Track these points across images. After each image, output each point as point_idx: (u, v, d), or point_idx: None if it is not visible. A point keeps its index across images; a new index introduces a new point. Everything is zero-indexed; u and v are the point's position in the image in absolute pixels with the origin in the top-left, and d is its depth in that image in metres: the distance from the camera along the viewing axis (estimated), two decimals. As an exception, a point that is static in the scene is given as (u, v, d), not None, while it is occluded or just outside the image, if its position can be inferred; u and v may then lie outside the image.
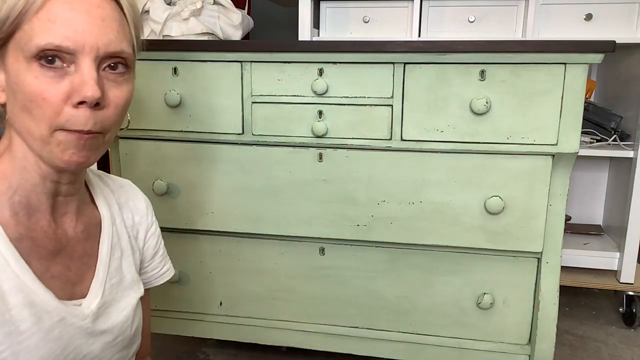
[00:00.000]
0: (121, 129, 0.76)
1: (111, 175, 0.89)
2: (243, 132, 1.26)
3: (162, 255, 0.95)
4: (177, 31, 1.37)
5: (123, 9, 0.68)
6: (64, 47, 0.61)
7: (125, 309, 0.80)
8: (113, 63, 0.66)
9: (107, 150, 2.25)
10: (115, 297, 0.79)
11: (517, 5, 1.74)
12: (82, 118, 0.63)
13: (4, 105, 0.67)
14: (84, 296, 0.74)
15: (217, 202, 1.31)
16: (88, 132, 0.65)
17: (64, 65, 0.62)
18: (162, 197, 1.33)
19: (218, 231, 1.34)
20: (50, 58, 0.61)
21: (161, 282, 0.95)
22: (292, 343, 1.39)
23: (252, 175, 1.28)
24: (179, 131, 1.28)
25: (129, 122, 0.80)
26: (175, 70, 1.25)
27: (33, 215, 0.70)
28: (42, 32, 0.61)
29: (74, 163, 0.66)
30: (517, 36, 1.75)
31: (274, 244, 1.33)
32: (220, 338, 1.44)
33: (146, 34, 1.41)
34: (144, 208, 0.89)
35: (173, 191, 1.32)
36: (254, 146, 1.27)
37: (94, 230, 0.79)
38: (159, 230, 0.93)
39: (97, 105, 0.64)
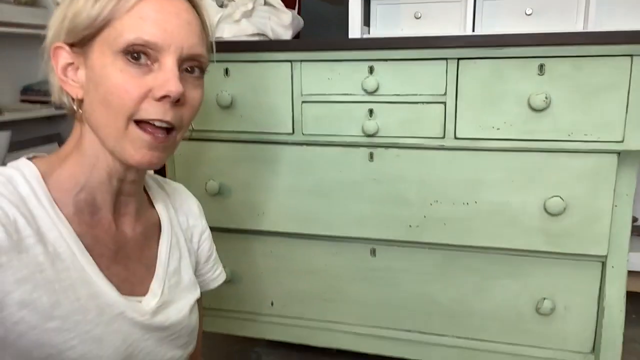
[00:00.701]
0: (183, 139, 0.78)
1: (166, 179, 0.92)
2: (293, 132, 1.25)
3: (215, 259, 0.97)
4: (229, 33, 1.38)
5: (203, 16, 0.73)
6: (151, 43, 0.65)
7: (183, 309, 0.81)
8: (190, 66, 0.70)
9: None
10: (173, 298, 0.80)
11: (578, -4, 1.65)
12: (161, 110, 0.67)
13: (80, 102, 0.70)
14: (143, 295, 0.76)
15: (268, 203, 1.31)
16: (164, 126, 0.68)
17: (148, 62, 0.66)
18: (214, 197, 1.34)
19: (269, 231, 1.35)
20: (136, 55, 0.65)
21: (214, 286, 0.98)
22: (342, 345, 1.38)
23: (302, 176, 1.28)
24: (231, 131, 1.29)
25: (192, 130, 0.83)
26: (226, 71, 1.26)
27: (96, 214, 0.72)
28: (132, 28, 0.64)
29: (146, 162, 0.69)
30: (578, 28, 1.66)
31: (324, 245, 1.32)
32: (271, 338, 1.44)
33: (198, 37, 1.43)
34: (197, 211, 0.92)
35: (225, 191, 1.34)
36: (305, 146, 1.26)
37: (152, 231, 0.81)
38: (211, 234, 0.95)
39: (177, 101, 0.68)
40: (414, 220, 1.23)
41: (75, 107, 0.70)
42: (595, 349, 1.21)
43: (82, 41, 0.67)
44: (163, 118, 0.67)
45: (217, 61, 1.26)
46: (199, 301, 0.90)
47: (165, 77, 0.66)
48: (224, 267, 1.38)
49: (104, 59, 0.65)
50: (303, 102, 1.23)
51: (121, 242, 0.75)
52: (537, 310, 1.21)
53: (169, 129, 0.69)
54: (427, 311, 1.29)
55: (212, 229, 1.38)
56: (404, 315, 1.31)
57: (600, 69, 1.06)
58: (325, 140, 1.24)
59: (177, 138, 0.73)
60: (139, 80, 0.65)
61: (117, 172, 0.72)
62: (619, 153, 1.09)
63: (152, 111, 0.66)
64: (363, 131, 1.20)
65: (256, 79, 1.25)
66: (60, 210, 0.68)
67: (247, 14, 1.39)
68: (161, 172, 2.78)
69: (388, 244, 1.28)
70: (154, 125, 0.68)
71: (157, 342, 0.76)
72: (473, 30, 1.72)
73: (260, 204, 1.32)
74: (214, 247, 0.97)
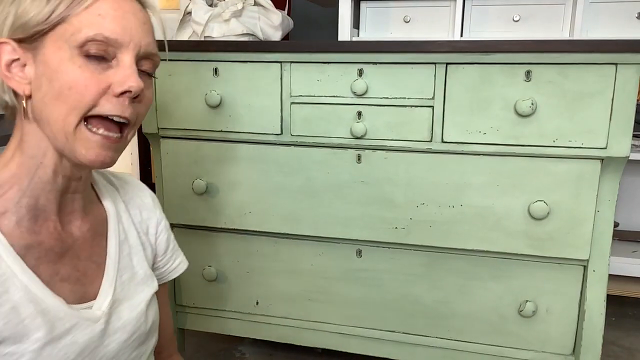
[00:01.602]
0: None
1: (114, 172, 0.90)
2: (282, 133, 1.26)
3: (173, 249, 0.95)
4: (218, 32, 1.38)
5: (152, 19, 0.74)
6: (111, 40, 0.65)
7: (139, 305, 0.80)
8: (144, 66, 0.71)
9: (150, 149, 2.27)
10: (127, 295, 0.79)
11: (564, 3, 1.68)
12: (120, 106, 0.67)
13: (28, 98, 0.68)
14: (95, 296, 0.75)
15: (255, 202, 1.32)
16: (119, 125, 0.68)
17: (107, 59, 0.66)
18: (201, 196, 1.34)
19: (255, 231, 1.35)
20: (94, 51, 0.65)
21: (175, 276, 0.96)
22: (328, 345, 1.38)
23: (290, 176, 1.28)
24: (219, 131, 1.29)
25: (134, 133, 0.81)
26: (216, 70, 1.26)
27: (39, 218, 0.70)
28: (92, 24, 0.64)
29: (99, 162, 0.69)
30: (564, 36, 1.69)
31: (310, 245, 1.33)
32: (255, 337, 1.44)
33: (188, 35, 1.42)
34: (150, 203, 0.90)
35: (212, 190, 1.34)
36: (293, 147, 1.27)
37: (101, 228, 0.80)
38: (168, 224, 0.93)
39: (135, 97, 0.68)
40: (400, 222, 1.24)
41: (21, 104, 0.68)
42: (575, 351, 1.23)
43: (32, 37, 0.65)
44: (122, 114, 0.67)
45: (207, 60, 1.27)
46: (161, 294, 0.89)
47: (125, 73, 0.66)
48: (209, 266, 1.39)
49: (61, 54, 0.65)
50: (292, 103, 1.24)
51: (68, 242, 0.74)
52: (520, 312, 1.23)
53: (123, 126, 0.69)
54: (411, 312, 1.30)
55: (198, 227, 1.38)
56: (388, 316, 1.32)
57: (585, 76, 1.08)
58: (314, 142, 1.25)
59: (129, 137, 0.72)
60: (98, 76, 0.65)
61: (64, 170, 0.71)
62: (602, 159, 1.11)
63: (111, 107, 0.66)
64: (351, 133, 1.21)
65: (245, 79, 1.25)
66: None
67: (237, 14, 1.39)
68: (147, 170, 2.76)
69: (374, 245, 1.29)
70: (110, 120, 0.67)
71: (118, 345, 0.76)
72: (461, 35, 1.74)
73: (247, 204, 1.32)
74: (172, 236, 0.95)
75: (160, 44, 0.76)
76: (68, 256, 0.73)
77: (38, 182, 0.70)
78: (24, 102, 0.68)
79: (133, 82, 0.66)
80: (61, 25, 0.65)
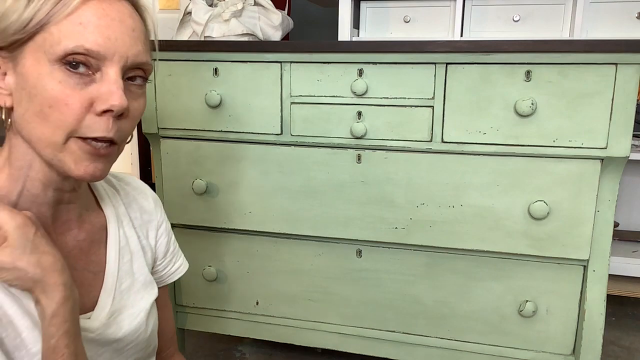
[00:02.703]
0: None
1: (116, 174, 0.86)
2: (282, 133, 1.26)
3: (173, 252, 0.92)
4: (218, 32, 1.38)
5: (147, 20, 0.67)
6: (94, 52, 0.59)
7: (138, 315, 0.78)
8: (133, 75, 0.65)
9: (150, 149, 2.27)
10: (126, 304, 0.77)
11: (564, 3, 1.68)
12: (104, 126, 0.62)
13: (10, 109, 0.64)
14: (93, 307, 0.73)
15: (255, 202, 1.32)
16: (107, 141, 0.63)
17: (90, 72, 0.61)
18: (201, 196, 1.34)
19: (255, 231, 1.35)
20: (75, 63, 0.59)
21: (175, 279, 0.93)
22: (328, 345, 1.38)
23: (290, 176, 1.28)
24: (219, 131, 1.29)
25: (131, 138, 0.76)
26: (216, 70, 1.26)
27: None
28: (72, 35, 0.59)
29: (89, 175, 0.64)
30: (564, 35, 1.69)
31: (310, 245, 1.33)
32: (255, 337, 1.44)
33: (188, 35, 1.43)
34: (152, 205, 0.87)
35: (212, 190, 1.34)
36: (293, 147, 1.27)
37: (99, 235, 0.77)
38: (169, 227, 0.91)
39: (120, 116, 0.63)
40: (400, 222, 1.24)
41: (5, 116, 0.64)
42: (575, 351, 1.23)
43: (11, 45, 0.60)
44: (106, 135, 0.62)
45: (207, 60, 1.27)
46: (162, 298, 0.87)
47: (109, 89, 0.60)
48: (209, 266, 1.39)
49: (40, 67, 0.59)
50: (292, 103, 1.24)
51: (63, 253, 0.68)
52: (520, 312, 1.23)
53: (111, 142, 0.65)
54: (411, 312, 1.30)
55: (198, 227, 1.38)
56: (388, 316, 1.32)
57: (585, 76, 1.08)
58: (314, 142, 1.25)
59: (120, 149, 0.68)
60: (80, 92, 0.60)
61: (53, 183, 0.67)
62: (602, 159, 1.11)
63: (95, 127, 0.61)
64: (351, 133, 1.21)
65: (245, 79, 1.25)
66: None
67: (237, 14, 1.39)
68: (147, 170, 2.76)
69: (374, 246, 1.29)
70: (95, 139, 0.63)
71: (112, 354, 0.74)
72: (461, 35, 1.74)
73: (247, 204, 1.32)
74: (173, 239, 0.92)
75: (152, 44, 0.70)
76: None
77: (27, 195, 0.67)
78: (3, 115, 0.64)
79: (116, 100, 0.60)
80: (40, 35, 0.59)
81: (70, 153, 0.63)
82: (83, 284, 0.72)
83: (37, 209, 0.68)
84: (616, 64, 1.06)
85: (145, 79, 0.67)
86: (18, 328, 0.63)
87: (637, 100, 1.13)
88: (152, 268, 0.87)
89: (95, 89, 0.61)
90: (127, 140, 0.70)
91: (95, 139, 0.62)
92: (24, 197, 0.67)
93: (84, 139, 0.62)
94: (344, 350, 1.37)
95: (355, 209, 1.26)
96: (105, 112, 0.61)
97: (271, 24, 1.43)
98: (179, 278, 0.95)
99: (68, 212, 0.72)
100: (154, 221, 0.86)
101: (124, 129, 0.65)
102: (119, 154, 0.69)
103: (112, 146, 0.65)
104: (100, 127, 0.62)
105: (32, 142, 0.64)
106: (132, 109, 0.65)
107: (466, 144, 1.16)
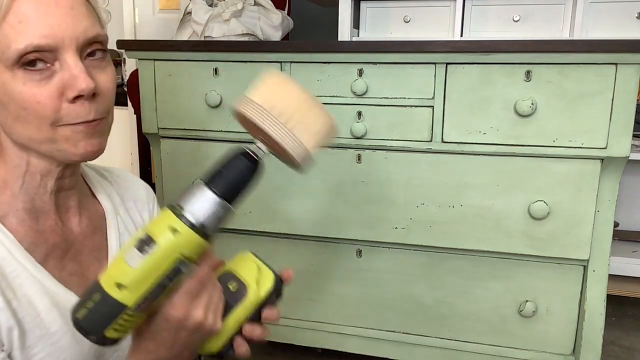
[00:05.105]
0: None
1: (106, 167, 0.87)
2: (282, 133, 1.26)
3: None
4: (218, 32, 1.38)
5: None
6: (44, 46, 0.58)
7: None
8: (91, 50, 0.64)
9: (150, 149, 2.26)
10: None
11: (564, 3, 1.68)
12: (82, 111, 0.62)
13: None
14: None
15: (254, 202, 1.32)
16: (93, 120, 0.64)
17: (48, 65, 0.60)
18: (201, 196, 1.34)
19: (255, 231, 1.35)
20: (32, 60, 0.59)
21: None
22: (328, 345, 1.38)
23: (289, 176, 1.28)
24: (219, 131, 1.29)
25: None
26: (216, 70, 1.26)
27: (40, 217, 0.70)
28: (17, 37, 0.58)
29: (90, 152, 0.65)
30: (564, 36, 1.69)
31: (310, 245, 1.33)
32: (256, 337, 1.44)
33: (188, 35, 1.43)
34: (144, 195, 0.88)
35: (212, 190, 1.33)
36: (293, 147, 1.26)
37: (99, 223, 0.78)
38: None
39: (93, 95, 0.63)
40: (400, 222, 1.24)
41: None
42: (575, 350, 1.23)
43: None
44: (87, 118, 0.62)
45: (207, 60, 1.27)
46: None
47: (71, 74, 0.60)
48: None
49: (1, 76, 0.59)
50: (292, 102, 1.23)
51: (70, 239, 0.73)
52: (520, 312, 1.23)
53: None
54: (411, 312, 1.30)
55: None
56: (388, 316, 1.32)
57: (585, 76, 1.08)
58: (314, 141, 1.24)
59: (109, 121, 0.68)
60: (46, 87, 0.60)
61: (52, 173, 0.68)
62: (602, 159, 1.11)
63: (74, 114, 0.61)
64: (351, 133, 1.21)
65: (245, 79, 1.25)
66: (4, 225, 0.65)
67: (237, 14, 1.39)
68: (147, 170, 2.76)
69: (374, 246, 1.29)
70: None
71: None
72: (461, 35, 1.74)
73: (247, 204, 1.32)
74: None
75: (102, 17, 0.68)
76: (72, 252, 0.73)
77: (29, 187, 0.68)
78: None
79: (82, 84, 0.60)
80: None
81: (65, 139, 0.63)
82: (89, 268, 0.74)
83: (40, 198, 0.69)
84: (616, 64, 1.06)
85: (104, 50, 0.66)
86: (37, 308, 0.65)
87: (637, 100, 1.13)
88: None
89: (60, 79, 0.60)
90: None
91: (80, 124, 0.63)
92: (25, 189, 0.68)
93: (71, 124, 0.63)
94: (343, 350, 1.37)
95: (355, 209, 1.26)
96: (76, 98, 0.61)
97: (271, 23, 1.43)
98: None
99: (69, 200, 0.74)
100: (146, 211, 0.87)
101: (103, 105, 0.65)
102: (111, 124, 0.69)
103: (100, 121, 0.65)
104: (79, 113, 0.62)
105: (25, 143, 0.65)
106: (102, 83, 0.65)
107: (466, 144, 1.16)
